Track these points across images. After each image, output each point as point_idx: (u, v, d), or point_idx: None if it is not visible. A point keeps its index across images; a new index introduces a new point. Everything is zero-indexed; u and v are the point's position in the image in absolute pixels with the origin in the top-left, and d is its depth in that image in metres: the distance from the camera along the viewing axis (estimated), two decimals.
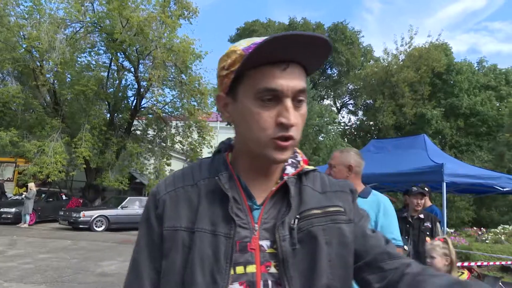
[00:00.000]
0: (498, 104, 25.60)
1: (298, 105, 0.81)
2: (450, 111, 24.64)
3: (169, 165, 18.07)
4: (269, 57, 0.77)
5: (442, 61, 24.27)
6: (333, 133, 22.34)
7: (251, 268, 0.80)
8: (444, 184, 6.44)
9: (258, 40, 0.81)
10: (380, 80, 25.54)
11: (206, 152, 20.07)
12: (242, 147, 0.88)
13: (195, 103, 17.99)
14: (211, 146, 19.13)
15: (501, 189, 7.64)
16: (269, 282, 0.80)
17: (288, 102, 0.79)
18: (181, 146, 18.87)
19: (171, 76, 17.57)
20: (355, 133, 30.11)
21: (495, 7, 71.92)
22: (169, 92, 19.61)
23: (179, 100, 18.18)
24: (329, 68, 31.94)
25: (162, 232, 0.85)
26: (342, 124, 30.56)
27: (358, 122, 31.05)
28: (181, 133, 18.68)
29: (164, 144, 18.89)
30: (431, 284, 0.75)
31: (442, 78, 25.26)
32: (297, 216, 0.84)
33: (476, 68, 27.52)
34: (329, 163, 2.33)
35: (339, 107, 33.27)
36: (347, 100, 33.44)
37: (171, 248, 0.83)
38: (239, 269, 0.80)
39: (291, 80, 0.78)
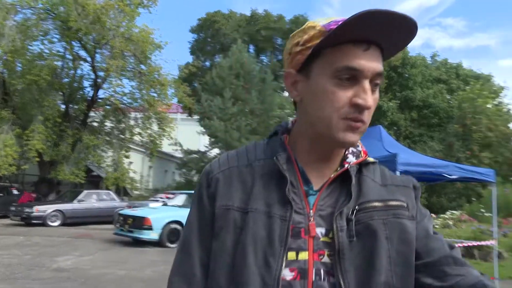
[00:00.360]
0: (448, 97, 26.89)
1: (374, 89, 0.77)
2: (404, 103, 25.64)
3: (127, 157, 17.67)
4: (351, 36, 0.73)
5: (398, 55, 25.17)
6: None
7: (303, 255, 0.77)
8: (398, 173, 6.74)
9: (337, 18, 0.78)
10: None
11: (166, 144, 19.81)
12: (306, 128, 0.84)
13: (154, 94, 17.64)
14: (172, 138, 18.87)
15: (449, 176, 8.07)
16: (322, 272, 0.77)
17: (367, 84, 0.75)
18: (140, 138, 18.48)
19: (130, 66, 17.11)
20: None
21: (447, 3, 75.23)
22: (127, 83, 19.11)
23: (138, 91, 17.75)
24: None
25: (214, 211, 0.82)
26: None
27: None
28: (140, 125, 18.28)
29: (123, 136, 18.43)
30: None
31: (398, 71, 26.19)
32: (356, 207, 0.80)
33: (429, 62, 28.73)
34: None
35: None
36: None
37: (222, 227, 0.80)
38: (291, 255, 0.77)
39: (371, 62, 0.75)
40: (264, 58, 32.68)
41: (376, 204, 0.81)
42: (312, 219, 0.79)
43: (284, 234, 0.77)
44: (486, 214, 9.79)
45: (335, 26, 0.73)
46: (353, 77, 0.75)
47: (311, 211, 0.80)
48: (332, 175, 0.82)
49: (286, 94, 31.55)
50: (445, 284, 0.77)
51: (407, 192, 0.86)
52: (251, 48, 29.86)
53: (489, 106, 21.19)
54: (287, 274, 0.76)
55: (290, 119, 0.94)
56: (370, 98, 0.75)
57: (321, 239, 0.78)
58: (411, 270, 0.79)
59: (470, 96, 21.53)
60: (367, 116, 0.77)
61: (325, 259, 0.77)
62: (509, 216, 12.01)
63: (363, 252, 0.77)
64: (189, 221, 0.87)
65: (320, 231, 0.79)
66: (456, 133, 21.37)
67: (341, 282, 0.75)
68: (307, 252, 0.77)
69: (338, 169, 0.84)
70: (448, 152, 20.98)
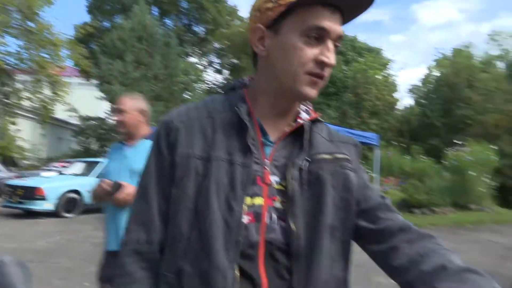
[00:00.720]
0: (345, 68, 28.83)
1: (334, 50, 0.84)
2: None
3: (14, 124, 16.06)
4: None
5: None
6: (199, 91, 22.51)
7: (258, 200, 0.83)
8: None
9: None
10: (245, 40, 26.30)
11: (60, 110, 18.35)
12: (269, 83, 0.89)
13: (46, 55, 16.09)
14: (66, 103, 17.54)
15: None
16: (274, 216, 0.83)
17: (331, 44, 0.82)
18: (30, 103, 16.84)
19: (15, 22, 15.27)
20: (221, 92, 30.81)
21: None
22: (13, 42, 17.06)
23: (26, 51, 16.01)
24: (195, 25, 31.51)
25: (173, 159, 0.85)
26: (208, 83, 30.86)
27: (224, 82, 31.72)
28: (29, 89, 16.62)
29: (8, 101, 16.63)
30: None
31: None
32: (308, 159, 0.87)
33: None
34: (119, 108, 2.21)
35: (205, 66, 33.39)
36: (214, 58, 33.72)
37: (184, 175, 0.83)
38: (247, 200, 0.82)
39: (336, 24, 0.82)
40: (169, 21, 31.48)
41: (325, 156, 0.89)
42: (267, 168, 0.85)
43: (245, 179, 0.82)
44: (371, 174, 10.98)
45: None
46: (320, 37, 0.81)
47: (267, 160, 0.86)
48: (288, 129, 0.89)
49: (191, 59, 31.00)
50: (378, 226, 0.87)
51: (350, 148, 0.96)
52: (155, 11, 28.49)
53: (378, 77, 23.25)
54: (244, 218, 0.81)
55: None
56: (333, 57, 0.82)
57: (275, 186, 0.85)
58: (351, 214, 0.89)
59: (362, 67, 23.34)
60: (328, 73, 0.84)
61: (278, 205, 0.84)
62: (390, 175, 13.60)
63: (312, 198, 0.85)
64: (147, 170, 0.89)
65: (274, 179, 0.85)
66: (350, 101, 23.15)
67: (291, 225, 0.82)
68: (262, 198, 0.83)
69: (292, 124, 0.91)
70: (342, 119, 22.71)
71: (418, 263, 0.78)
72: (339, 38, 0.84)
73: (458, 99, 18.04)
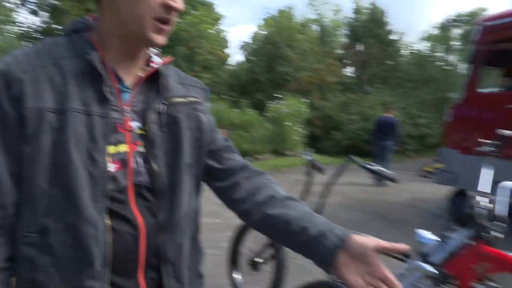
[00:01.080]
0: (178, 20, 28.36)
1: None
2: None
3: None
4: None
5: None
6: (9, 35, 19.21)
7: (123, 148, 0.84)
8: None
9: None
10: None
11: None
12: (116, 27, 0.84)
13: None
14: None
15: None
16: (139, 160, 0.86)
17: None
18: None
19: None
20: (39, 36, 26.87)
21: None
22: None
23: None
24: None
25: (22, 114, 0.77)
26: (22, 25, 26.44)
27: (43, 25, 27.62)
28: None
29: None
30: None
31: None
32: (165, 102, 0.90)
33: None
34: None
35: (17, 4, 28.34)
36: None
37: (37, 131, 0.77)
38: (112, 149, 0.82)
39: None
40: None
41: (180, 99, 0.93)
42: (127, 115, 0.86)
43: (105, 129, 0.81)
44: None
45: None
46: None
47: (126, 107, 0.86)
48: (143, 74, 0.90)
49: None
50: (223, 166, 1.00)
51: (199, 91, 1.01)
52: None
53: (211, 31, 23.64)
54: (111, 167, 0.82)
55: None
56: (180, 2, 0.83)
57: (137, 132, 0.87)
58: (204, 153, 0.97)
59: (195, 20, 23.32)
60: (174, 19, 0.84)
61: (141, 149, 0.87)
62: (220, 127, 14.26)
63: (171, 140, 0.90)
64: None
65: (135, 125, 0.87)
66: (183, 55, 23.06)
67: (154, 166, 0.87)
68: (126, 145, 0.85)
69: (146, 68, 0.91)
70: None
71: (254, 195, 0.96)
72: None
73: (279, 57, 19.74)
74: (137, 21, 0.81)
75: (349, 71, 21.93)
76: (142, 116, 0.88)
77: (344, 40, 23.92)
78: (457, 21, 28.03)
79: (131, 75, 0.89)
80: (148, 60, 0.92)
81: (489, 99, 5.90)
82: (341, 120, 15.59)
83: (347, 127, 15.26)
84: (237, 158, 1.04)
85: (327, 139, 15.45)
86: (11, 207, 0.81)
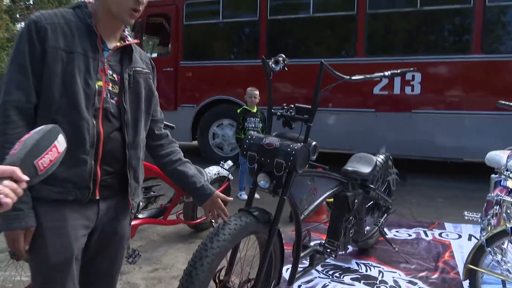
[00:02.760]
0: None
1: None
2: None
3: None
4: None
5: None
6: None
7: (99, 83, 1.31)
8: None
9: None
10: None
11: None
12: (105, 8, 1.31)
13: None
14: None
15: None
16: (108, 94, 1.33)
17: None
18: None
19: None
20: None
21: None
22: None
23: None
24: None
25: (44, 49, 1.22)
26: None
27: None
28: None
29: None
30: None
31: None
32: (133, 68, 1.41)
33: None
34: None
35: None
36: None
37: (53, 60, 1.23)
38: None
39: None
40: None
41: (140, 69, 1.44)
42: (105, 64, 1.33)
43: (95, 67, 1.29)
44: None
45: None
46: None
47: (105, 59, 1.33)
48: (120, 44, 1.38)
49: None
50: (157, 132, 1.58)
51: (150, 67, 1.53)
52: None
53: None
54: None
55: None
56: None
57: (110, 77, 1.34)
58: (151, 107, 1.50)
59: None
60: (142, 8, 1.33)
61: (110, 88, 1.34)
62: None
63: (134, 93, 1.41)
64: (21, 53, 1.22)
65: (110, 72, 1.35)
66: None
67: (125, 105, 1.37)
68: (101, 82, 1.32)
69: (121, 41, 1.40)
70: None
71: (169, 155, 1.58)
72: None
73: None
74: (120, 10, 1.31)
75: (20, 26, 19.90)
76: (114, 69, 1.37)
77: None
78: None
79: (110, 41, 1.38)
80: (125, 38, 1.42)
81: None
82: None
83: None
84: (163, 128, 1.61)
85: None
86: (33, 104, 1.24)
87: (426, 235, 3.75)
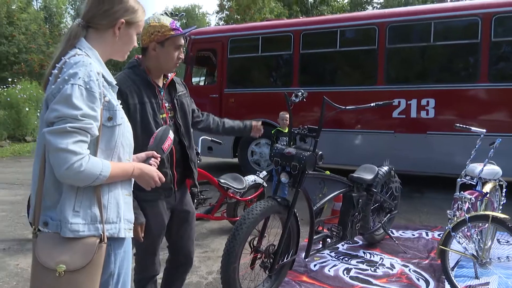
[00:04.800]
0: None
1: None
2: None
3: None
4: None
5: None
6: None
7: (163, 115, 2.04)
8: None
9: (170, 21, 1.99)
10: None
11: None
12: (156, 65, 2.01)
13: None
14: None
15: None
16: (169, 120, 2.04)
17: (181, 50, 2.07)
18: None
19: None
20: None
21: None
22: None
23: None
24: None
25: (128, 106, 1.88)
26: None
27: None
28: None
29: None
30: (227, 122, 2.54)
31: None
32: (178, 94, 2.14)
33: None
34: None
35: None
36: None
37: (133, 112, 1.91)
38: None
39: (182, 40, 2.05)
40: None
41: (181, 92, 2.17)
42: (163, 100, 2.05)
43: (158, 108, 2.00)
44: None
45: (175, 27, 1.98)
46: (177, 47, 2.02)
47: (163, 97, 2.06)
48: (166, 82, 2.10)
49: None
50: (200, 115, 2.42)
51: (185, 87, 2.25)
52: None
53: None
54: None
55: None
56: (182, 54, 2.08)
57: (167, 108, 2.07)
58: (191, 112, 2.27)
59: None
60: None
61: (170, 114, 2.07)
62: None
63: (182, 111, 2.14)
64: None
65: (166, 105, 2.07)
66: None
67: (179, 121, 2.10)
68: (164, 113, 2.05)
69: (167, 79, 2.11)
70: None
71: (215, 122, 2.48)
72: (181, 46, 2.05)
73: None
74: (168, 65, 2.04)
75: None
76: (169, 100, 2.08)
77: (72, 22, 23.77)
78: (174, 14, 32.00)
79: (159, 81, 2.07)
80: (165, 74, 2.12)
81: (200, 90, 8.55)
82: None
83: None
84: (201, 113, 2.41)
85: None
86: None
87: (427, 235, 4.47)
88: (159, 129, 1.71)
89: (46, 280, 1.23)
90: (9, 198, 6.16)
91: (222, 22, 24.26)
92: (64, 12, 27.58)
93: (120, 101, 1.44)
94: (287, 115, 5.77)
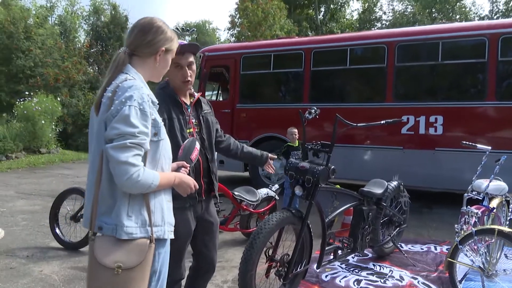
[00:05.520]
0: None
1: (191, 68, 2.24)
2: None
3: None
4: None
5: None
6: None
7: (190, 130, 2.24)
8: None
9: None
10: None
11: None
12: (175, 85, 2.24)
13: None
14: None
15: None
16: (196, 135, 2.23)
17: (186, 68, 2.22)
18: None
19: None
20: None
21: None
22: None
23: None
24: None
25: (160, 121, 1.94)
26: None
27: None
28: None
29: None
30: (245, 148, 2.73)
31: None
32: (203, 112, 2.35)
33: None
34: None
35: None
36: None
37: (163, 126, 1.71)
38: (188, 130, 2.22)
39: (186, 59, 2.19)
40: None
41: (207, 111, 2.39)
42: (190, 116, 2.27)
43: (185, 123, 2.22)
44: None
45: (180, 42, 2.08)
46: (189, 65, 2.23)
47: (190, 113, 2.28)
48: (193, 100, 2.31)
49: None
50: (222, 137, 2.61)
51: (209, 106, 2.47)
52: None
53: None
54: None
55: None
56: (191, 75, 2.24)
57: (194, 123, 2.29)
58: (215, 130, 2.49)
59: None
60: (192, 79, 2.22)
61: (197, 130, 2.28)
62: None
63: (207, 127, 2.35)
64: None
65: (193, 121, 2.28)
66: None
67: (204, 136, 2.31)
68: (191, 129, 2.26)
69: (193, 98, 2.32)
70: None
71: (235, 146, 2.68)
72: (191, 63, 2.24)
73: (16, 49, 18.59)
74: (175, 84, 2.24)
75: (93, 70, 22.60)
76: (195, 117, 2.30)
77: (86, 38, 24.36)
78: (184, 30, 32.71)
79: (186, 99, 2.29)
80: (192, 93, 2.34)
81: (212, 105, 8.76)
82: None
83: None
84: (223, 134, 2.61)
85: (81, 136, 16.11)
86: None
87: (436, 249, 4.56)
88: (186, 140, 1.90)
89: (104, 278, 1.40)
90: (28, 208, 6.37)
91: (234, 38, 24.73)
92: (78, 27, 28.27)
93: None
94: (296, 130, 5.94)
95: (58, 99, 15.12)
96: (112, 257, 1.40)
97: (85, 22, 29.34)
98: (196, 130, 2.31)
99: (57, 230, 4.47)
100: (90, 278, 1.45)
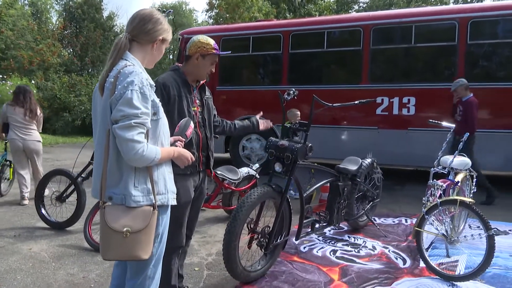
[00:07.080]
0: None
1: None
2: None
3: None
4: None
5: None
6: None
7: (195, 108, 2.55)
8: None
9: (213, 42, 2.56)
10: None
11: None
12: (193, 73, 2.53)
13: None
14: None
15: None
16: (198, 114, 2.56)
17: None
18: None
19: None
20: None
21: None
22: None
23: None
24: None
25: (168, 96, 2.41)
26: None
27: None
28: None
29: None
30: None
31: None
32: (206, 96, 2.66)
33: None
34: None
35: None
36: None
37: (173, 101, 2.41)
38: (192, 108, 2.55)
39: (216, 60, 2.59)
40: None
41: (208, 96, 2.70)
42: (195, 97, 2.58)
43: (192, 101, 2.53)
44: None
45: (216, 48, 2.56)
46: (213, 62, 2.56)
47: (195, 94, 2.59)
48: (198, 85, 2.61)
49: None
50: (218, 121, 2.87)
51: (209, 92, 2.74)
52: None
53: None
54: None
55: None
56: (213, 69, 2.63)
57: (198, 104, 2.59)
58: (213, 114, 2.78)
59: None
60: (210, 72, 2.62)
61: (200, 110, 2.59)
62: None
63: (207, 110, 2.65)
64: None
65: (198, 102, 2.59)
66: None
67: (205, 116, 2.61)
68: (196, 107, 2.56)
69: (199, 83, 2.61)
70: None
71: (229, 126, 2.93)
72: (215, 62, 2.61)
73: None
74: (201, 73, 2.58)
75: (68, 52, 22.08)
76: (199, 99, 2.60)
77: (58, 19, 23.72)
78: (161, 11, 32.16)
79: (194, 84, 2.60)
80: (197, 80, 2.63)
81: None
82: (69, 101, 16.24)
83: (78, 107, 16.14)
84: (220, 119, 2.86)
85: (58, 120, 15.86)
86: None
87: (406, 221, 4.88)
88: (182, 120, 2.13)
89: (114, 239, 1.62)
90: (11, 191, 6.38)
91: (212, 20, 24.49)
92: (49, 7, 27.47)
93: (164, 92, 2.34)
94: (299, 112, 6.12)
95: (33, 82, 14.80)
96: (121, 222, 1.62)
97: (57, 3, 28.53)
98: (199, 110, 2.61)
99: (43, 211, 4.56)
100: (103, 240, 1.66)
